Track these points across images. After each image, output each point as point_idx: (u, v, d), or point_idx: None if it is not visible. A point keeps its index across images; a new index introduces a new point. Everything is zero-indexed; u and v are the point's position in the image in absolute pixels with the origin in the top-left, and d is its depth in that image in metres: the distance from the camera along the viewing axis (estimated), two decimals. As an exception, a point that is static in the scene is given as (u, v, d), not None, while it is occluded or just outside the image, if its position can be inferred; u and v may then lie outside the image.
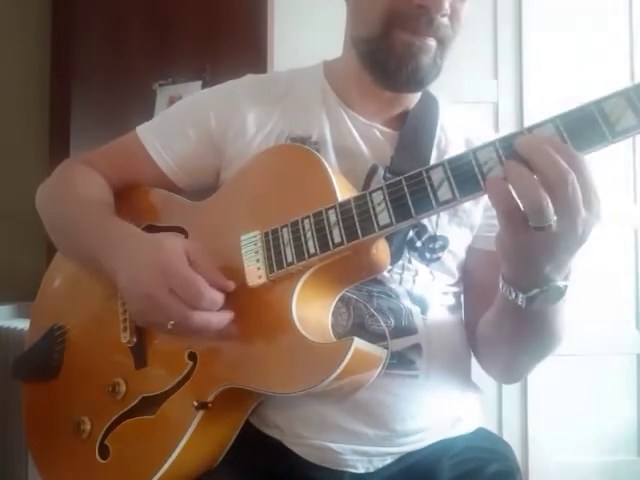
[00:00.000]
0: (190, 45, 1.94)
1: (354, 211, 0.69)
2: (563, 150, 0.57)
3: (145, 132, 0.94)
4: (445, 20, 0.80)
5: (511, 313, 0.72)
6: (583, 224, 0.58)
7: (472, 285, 0.92)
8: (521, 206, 0.57)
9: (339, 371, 0.66)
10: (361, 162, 0.87)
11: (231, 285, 0.74)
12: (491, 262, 0.89)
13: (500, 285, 0.69)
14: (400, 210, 0.66)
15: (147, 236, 0.79)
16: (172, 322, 0.70)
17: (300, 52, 1.48)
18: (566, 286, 0.65)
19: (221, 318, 0.73)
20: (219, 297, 0.72)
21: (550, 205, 0.56)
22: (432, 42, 0.81)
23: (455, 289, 0.92)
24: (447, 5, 0.79)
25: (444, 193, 0.63)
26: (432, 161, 0.88)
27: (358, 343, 0.67)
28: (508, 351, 0.82)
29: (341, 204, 0.70)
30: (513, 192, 0.57)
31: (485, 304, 0.82)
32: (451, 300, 0.91)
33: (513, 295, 0.67)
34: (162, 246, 0.73)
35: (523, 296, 0.66)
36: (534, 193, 0.56)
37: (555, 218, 0.57)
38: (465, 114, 0.99)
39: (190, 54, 1.94)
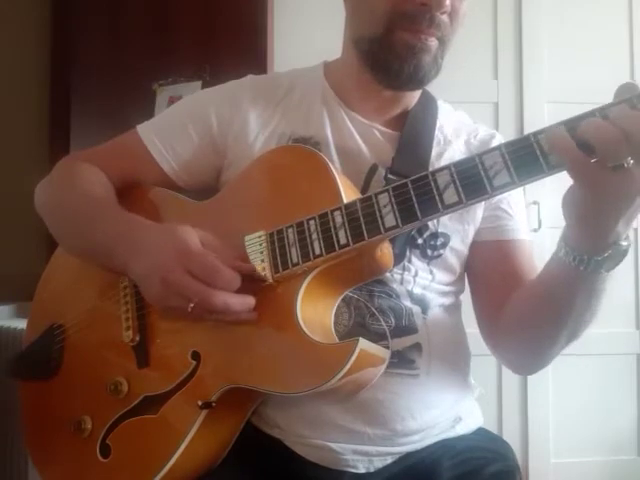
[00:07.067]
0: (190, 45, 1.94)
1: (360, 213, 0.70)
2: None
3: (146, 131, 0.94)
4: (445, 17, 0.82)
5: (568, 283, 0.71)
6: None
7: (485, 277, 0.91)
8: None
9: (344, 371, 0.66)
10: (361, 162, 0.87)
11: (244, 266, 0.73)
12: (502, 250, 0.89)
13: (561, 253, 0.68)
14: (406, 212, 0.67)
15: (158, 225, 0.80)
16: (192, 305, 0.70)
17: (300, 52, 1.48)
18: (629, 245, 0.66)
19: (241, 300, 0.72)
20: (236, 276, 0.72)
21: (623, 141, 0.56)
22: (433, 42, 0.83)
23: (454, 288, 0.92)
24: (448, 2, 0.81)
25: (450, 196, 0.64)
26: (432, 161, 0.88)
27: (363, 344, 0.68)
28: (550, 328, 0.78)
29: (347, 205, 0.71)
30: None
31: (504, 292, 0.83)
32: (451, 300, 0.91)
33: (577, 261, 0.66)
34: (175, 232, 0.74)
35: (595, 259, 0.66)
36: (603, 129, 0.56)
37: (630, 159, 0.57)
38: (462, 113, 0.99)
39: (190, 54, 1.93)
